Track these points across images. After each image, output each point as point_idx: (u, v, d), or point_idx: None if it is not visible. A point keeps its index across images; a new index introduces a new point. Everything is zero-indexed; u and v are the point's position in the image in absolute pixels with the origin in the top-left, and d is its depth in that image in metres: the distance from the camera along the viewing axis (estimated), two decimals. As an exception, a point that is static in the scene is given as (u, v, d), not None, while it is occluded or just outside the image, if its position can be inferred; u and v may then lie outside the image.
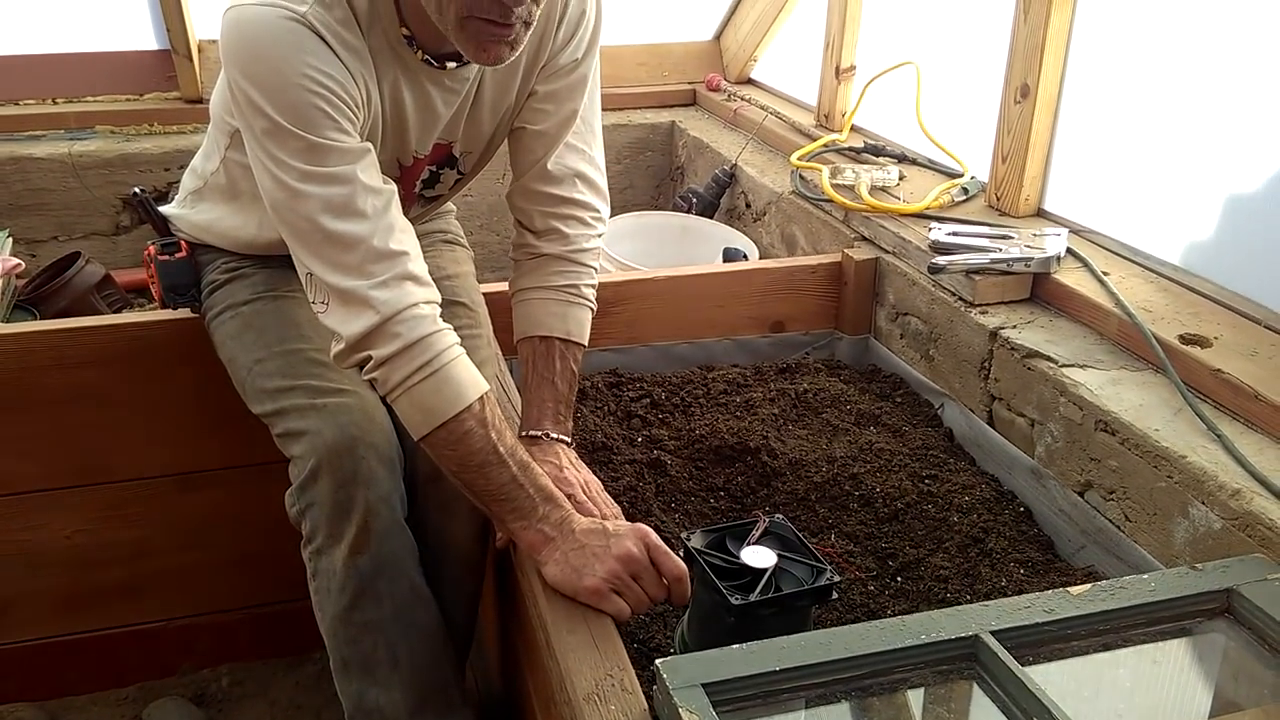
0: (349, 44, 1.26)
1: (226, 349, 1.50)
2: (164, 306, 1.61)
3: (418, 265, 1.28)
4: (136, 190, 1.67)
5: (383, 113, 1.34)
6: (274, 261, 1.53)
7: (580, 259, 1.54)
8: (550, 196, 1.52)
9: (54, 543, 1.75)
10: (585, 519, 1.28)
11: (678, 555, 1.24)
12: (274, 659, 1.91)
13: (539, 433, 1.46)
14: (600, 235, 1.58)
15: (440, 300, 1.30)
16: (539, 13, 1.24)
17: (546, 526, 1.26)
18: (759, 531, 1.22)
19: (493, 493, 1.28)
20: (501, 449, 1.27)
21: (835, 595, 1.17)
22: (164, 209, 1.64)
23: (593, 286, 1.56)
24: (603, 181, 1.57)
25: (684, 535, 1.23)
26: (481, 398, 1.27)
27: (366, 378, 1.27)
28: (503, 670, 1.63)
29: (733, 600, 1.09)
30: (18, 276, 2.27)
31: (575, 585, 1.21)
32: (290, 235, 1.27)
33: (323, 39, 1.23)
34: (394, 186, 1.31)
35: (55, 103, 2.68)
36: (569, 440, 1.49)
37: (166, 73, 2.69)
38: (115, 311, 2.32)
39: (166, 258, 1.57)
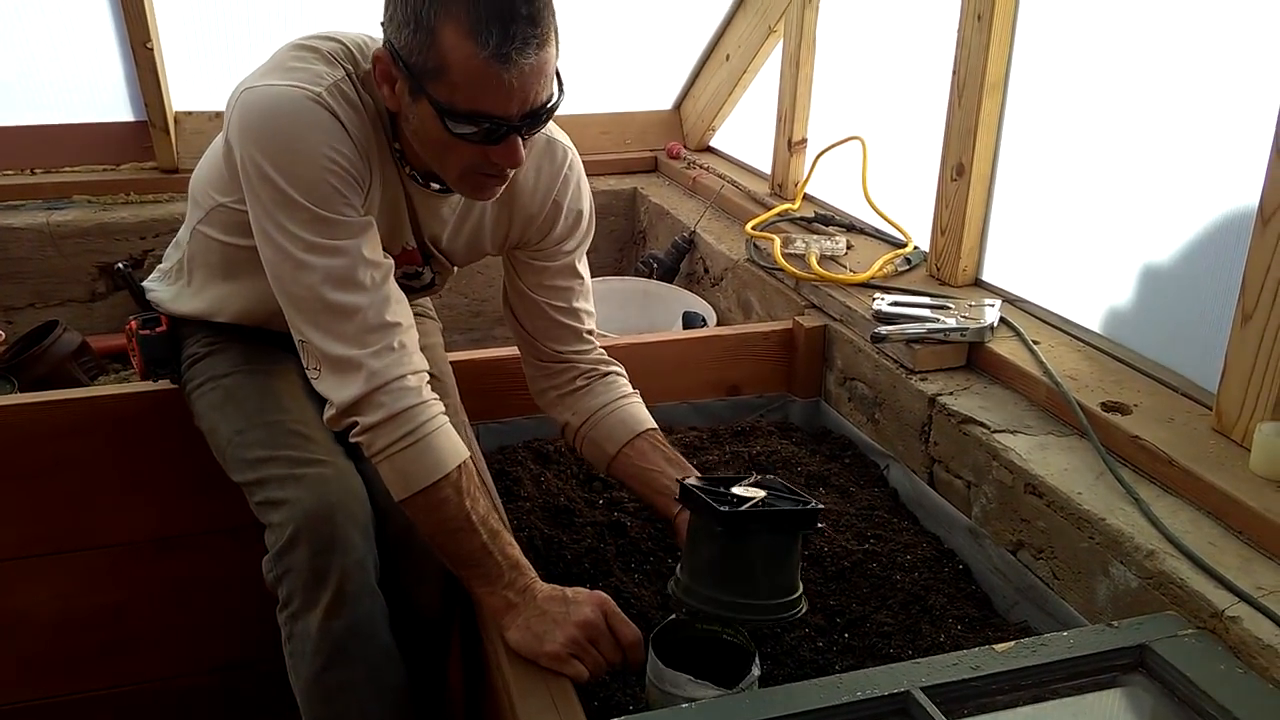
0: (359, 128, 1.35)
1: (207, 419, 1.57)
2: (145, 378, 1.69)
3: (409, 337, 1.37)
4: (120, 265, 1.75)
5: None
6: (251, 335, 1.61)
7: (614, 370, 1.65)
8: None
9: (33, 608, 1.80)
10: (547, 586, 1.35)
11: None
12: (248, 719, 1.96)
13: None
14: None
15: (428, 370, 1.38)
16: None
17: (510, 593, 1.34)
18: (751, 480, 1.29)
19: (463, 558, 1.36)
20: (474, 517, 1.35)
21: (821, 525, 1.22)
22: (144, 284, 1.71)
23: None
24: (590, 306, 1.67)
25: (680, 478, 1.30)
26: (460, 466, 1.35)
27: (353, 440, 1.35)
28: (469, 727, 1.70)
29: (721, 509, 1.16)
30: (-3, 344, 2.33)
31: (536, 650, 1.28)
32: (289, 303, 1.35)
33: (338, 119, 1.32)
34: (391, 261, 1.40)
35: (33, 173, 2.76)
36: None
37: (143, 143, 2.77)
38: (92, 378, 2.38)
39: (147, 332, 1.65)
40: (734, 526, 1.18)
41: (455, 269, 1.70)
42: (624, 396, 1.62)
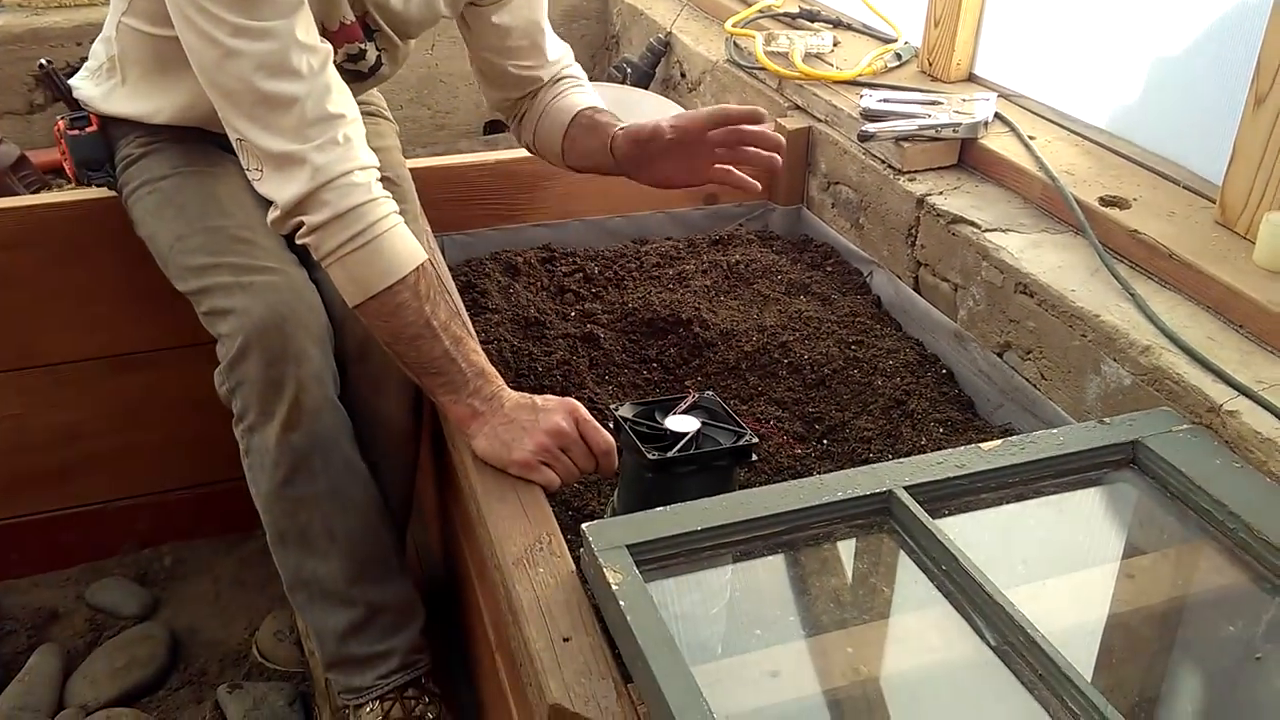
0: None
1: (146, 225, 1.47)
2: (78, 183, 1.57)
3: (355, 130, 1.26)
4: (43, 62, 1.62)
5: None
6: (189, 135, 1.49)
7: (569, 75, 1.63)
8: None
9: (-16, 429, 1.74)
10: (515, 394, 1.29)
11: (608, 427, 1.26)
12: (216, 537, 1.93)
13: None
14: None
15: (377, 166, 1.28)
16: None
17: (476, 401, 1.27)
18: (687, 404, 1.24)
19: (424, 365, 1.29)
20: (435, 323, 1.26)
21: (755, 457, 1.20)
22: (70, 81, 1.58)
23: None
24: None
25: (612, 406, 1.26)
26: (417, 269, 1.26)
27: (300, 243, 1.27)
28: (442, 540, 1.67)
29: (650, 456, 1.12)
30: (-71, 159, 2.18)
31: (504, 458, 1.23)
32: (220, 98, 1.23)
33: None
34: (328, 46, 1.27)
35: (-44, -23, 2.56)
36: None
37: (73, -57, 2.56)
38: (33, 192, 2.25)
39: (76, 132, 1.52)
40: (663, 471, 1.14)
41: (407, 46, 1.57)
42: (560, 93, 1.60)
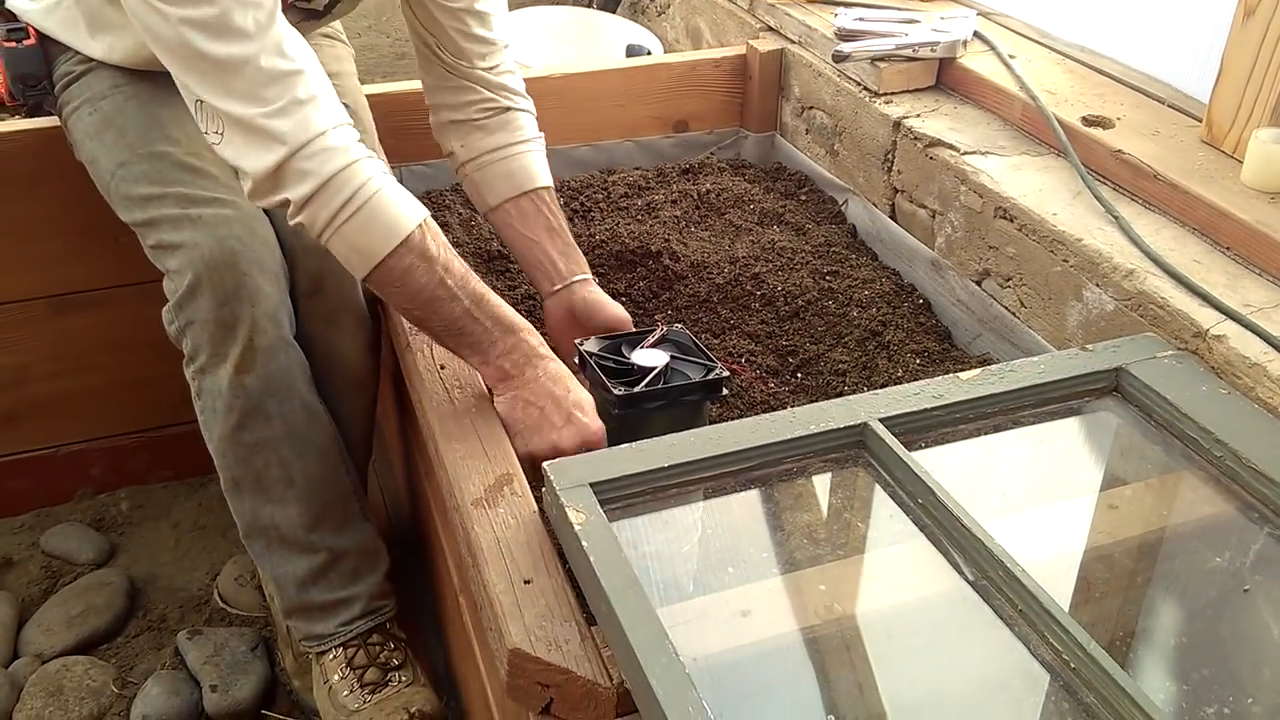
0: None
1: (86, 149, 1.38)
2: (12, 100, 1.47)
3: (316, 83, 1.13)
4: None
5: None
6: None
7: (519, 108, 1.45)
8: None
9: (-75, 373, 1.67)
10: (554, 367, 1.18)
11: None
12: (174, 481, 1.88)
13: (584, 275, 1.40)
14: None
15: (350, 122, 1.16)
16: None
17: (507, 363, 1.18)
18: (654, 338, 1.19)
19: (447, 329, 1.19)
20: (450, 281, 1.16)
21: (726, 391, 1.15)
22: (10, 3, 1.48)
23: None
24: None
25: (578, 341, 1.20)
26: (420, 226, 1.15)
27: (292, 224, 1.15)
28: (407, 483, 1.62)
29: (616, 392, 1.07)
30: None
31: (511, 432, 1.16)
32: (169, 59, 1.12)
33: None
34: None
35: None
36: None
37: None
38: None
39: (13, 44, 1.42)
40: (629, 407, 1.10)
41: None
42: (521, 142, 1.42)
